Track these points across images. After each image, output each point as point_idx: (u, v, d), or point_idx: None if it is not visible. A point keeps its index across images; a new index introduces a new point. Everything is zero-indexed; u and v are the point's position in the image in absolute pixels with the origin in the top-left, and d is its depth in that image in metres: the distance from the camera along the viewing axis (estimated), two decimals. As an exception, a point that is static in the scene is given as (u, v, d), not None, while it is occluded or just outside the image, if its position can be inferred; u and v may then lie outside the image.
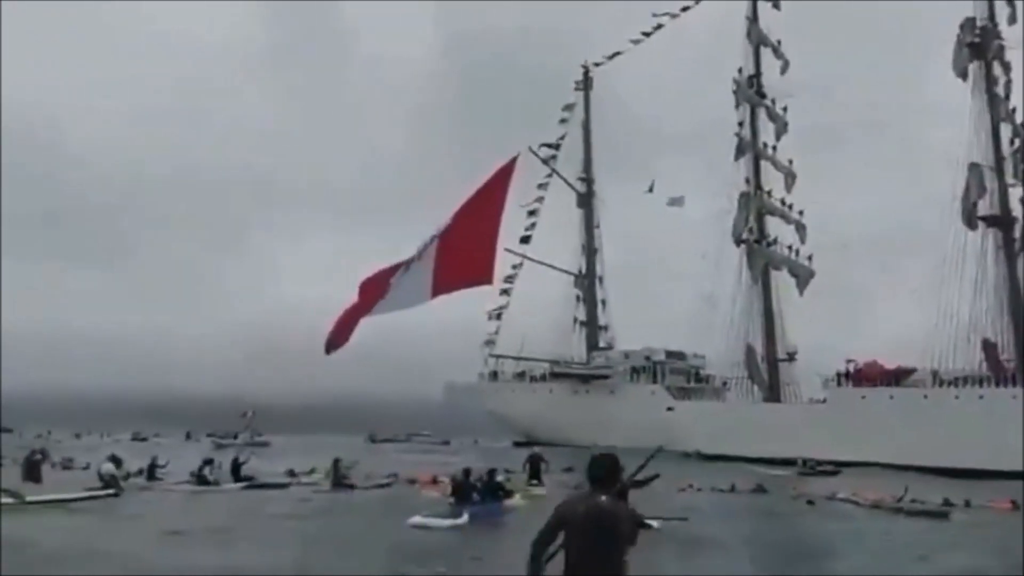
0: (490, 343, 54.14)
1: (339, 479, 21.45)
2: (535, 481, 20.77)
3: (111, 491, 18.49)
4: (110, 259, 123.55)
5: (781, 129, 50.24)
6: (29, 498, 16.02)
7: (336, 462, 22.12)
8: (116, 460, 20.53)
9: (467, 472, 17.29)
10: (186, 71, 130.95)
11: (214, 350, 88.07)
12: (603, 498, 4.26)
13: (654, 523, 12.56)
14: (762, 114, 50.41)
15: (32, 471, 20.42)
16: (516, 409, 51.48)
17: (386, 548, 10.87)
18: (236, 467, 22.28)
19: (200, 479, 21.02)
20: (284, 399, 58.32)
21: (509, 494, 17.32)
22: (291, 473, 23.92)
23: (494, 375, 55.26)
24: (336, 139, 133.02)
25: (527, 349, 53.07)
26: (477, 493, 16.45)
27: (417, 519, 13.91)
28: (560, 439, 43.19)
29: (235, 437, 47.23)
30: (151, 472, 22.31)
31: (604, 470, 4.42)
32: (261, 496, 19.21)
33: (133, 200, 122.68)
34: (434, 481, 21.35)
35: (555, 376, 52.53)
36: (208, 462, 22.18)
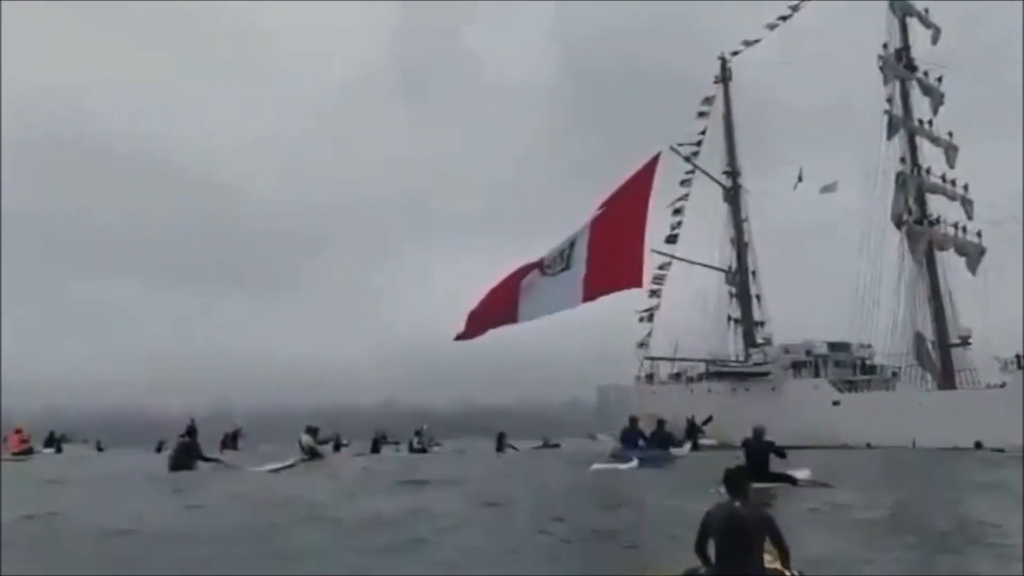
0: (643, 345, 53.67)
1: (502, 446, 29.76)
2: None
3: (314, 457, 22.12)
4: (268, 285, 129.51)
5: (937, 102, 47.65)
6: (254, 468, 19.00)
7: (500, 435, 30.01)
8: (312, 431, 23.29)
9: (634, 420, 19.76)
10: (325, 99, 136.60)
11: (374, 368, 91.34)
12: (736, 504, 5.45)
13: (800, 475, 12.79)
14: (914, 88, 48.05)
15: (229, 442, 23.83)
16: (674, 410, 50.72)
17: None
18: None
19: (375, 446, 32.01)
20: (443, 411, 59.92)
21: (677, 443, 19.00)
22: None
23: (649, 377, 54.77)
24: (469, 157, 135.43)
25: (682, 349, 52.44)
26: (644, 440, 18.84)
27: (597, 466, 17.82)
28: (721, 439, 42.38)
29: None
30: (336, 446, 28.68)
31: (734, 481, 5.80)
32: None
33: (285, 226, 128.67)
34: None
35: (712, 375, 51.59)
36: (418, 432, 32.48)
